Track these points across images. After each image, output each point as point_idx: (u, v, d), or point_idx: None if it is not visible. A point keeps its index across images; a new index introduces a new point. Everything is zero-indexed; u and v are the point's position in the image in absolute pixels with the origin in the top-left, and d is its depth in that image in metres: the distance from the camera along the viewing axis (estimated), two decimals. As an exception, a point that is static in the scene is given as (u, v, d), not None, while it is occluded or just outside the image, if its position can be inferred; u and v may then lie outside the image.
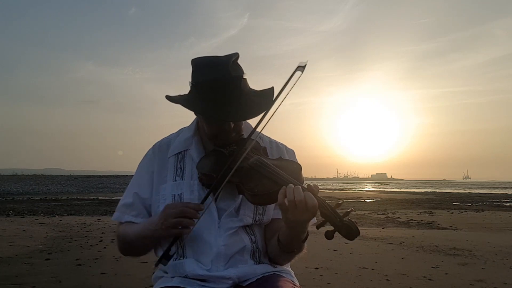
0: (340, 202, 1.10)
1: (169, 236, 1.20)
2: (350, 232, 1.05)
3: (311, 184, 1.12)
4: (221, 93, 1.17)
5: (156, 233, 1.21)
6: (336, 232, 1.07)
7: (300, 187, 1.09)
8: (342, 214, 1.07)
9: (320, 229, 1.11)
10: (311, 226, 1.18)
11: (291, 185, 1.10)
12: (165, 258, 1.18)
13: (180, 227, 1.17)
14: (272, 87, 1.28)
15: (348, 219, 1.07)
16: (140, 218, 1.32)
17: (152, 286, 1.31)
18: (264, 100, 1.23)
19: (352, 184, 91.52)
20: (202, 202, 1.19)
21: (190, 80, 1.24)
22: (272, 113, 1.21)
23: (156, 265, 1.22)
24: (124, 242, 1.32)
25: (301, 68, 1.20)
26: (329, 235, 1.07)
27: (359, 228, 1.06)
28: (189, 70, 1.25)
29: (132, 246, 1.31)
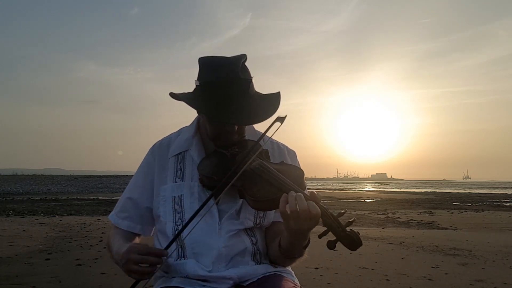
0: (342, 211, 1.08)
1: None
2: (353, 242, 1.04)
3: (314, 191, 1.09)
4: (228, 95, 1.16)
5: (120, 267, 1.18)
6: (338, 242, 1.05)
7: (303, 195, 1.06)
8: (344, 224, 1.05)
9: (319, 233, 1.09)
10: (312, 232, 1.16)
11: (292, 192, 1.07)
12: None
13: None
14: (279, 92, 1.27)
15: (350, 229, 1.05)
16: (128, 222, 1.33)
17: (152, 286, 1.31)
18: (270, 105, 1.22)
19: (352, 184, 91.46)
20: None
21: (196, 79, 1.22)
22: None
23: None
24: (108, 249, 1.32)
25: (281, 119, 1.18)
26: (331, 245, 1.05)
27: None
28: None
29: (112, 258, 1.29)
